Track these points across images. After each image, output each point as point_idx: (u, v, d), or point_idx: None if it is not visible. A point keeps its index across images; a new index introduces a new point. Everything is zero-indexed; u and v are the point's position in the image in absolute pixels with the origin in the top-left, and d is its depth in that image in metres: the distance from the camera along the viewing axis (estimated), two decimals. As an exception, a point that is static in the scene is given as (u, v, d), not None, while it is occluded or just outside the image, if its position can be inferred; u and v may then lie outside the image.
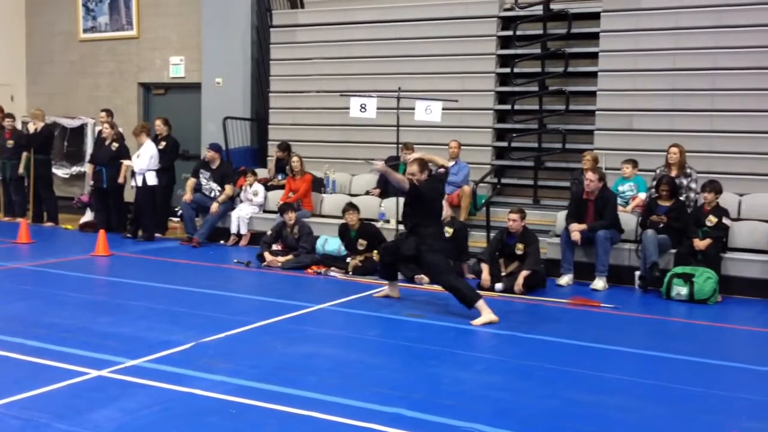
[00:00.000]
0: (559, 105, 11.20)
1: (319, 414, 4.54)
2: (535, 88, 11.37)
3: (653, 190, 9.48)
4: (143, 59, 15.18)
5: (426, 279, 8.73)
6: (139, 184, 11.41)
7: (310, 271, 9.52)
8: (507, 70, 11.60)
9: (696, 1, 10.49)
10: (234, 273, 9.55)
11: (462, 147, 10.94)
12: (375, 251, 9.41)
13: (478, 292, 7.48)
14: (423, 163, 7.51)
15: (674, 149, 9.49)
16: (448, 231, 9.24)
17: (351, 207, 9.60)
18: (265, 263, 9.74)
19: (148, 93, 15.49)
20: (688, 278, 8.28)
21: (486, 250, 9.05)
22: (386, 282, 8.19)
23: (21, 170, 12.99)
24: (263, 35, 13.82)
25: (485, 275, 8.60)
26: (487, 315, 7.01)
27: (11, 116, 13.48)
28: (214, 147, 11.90)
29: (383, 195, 11.23)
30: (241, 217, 11.50)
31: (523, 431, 4.39)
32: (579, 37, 11.30)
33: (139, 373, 5.23)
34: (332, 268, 9.51)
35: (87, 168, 13.46)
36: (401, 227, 8.75)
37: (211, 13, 13.81)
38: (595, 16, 11.12)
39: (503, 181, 11.80)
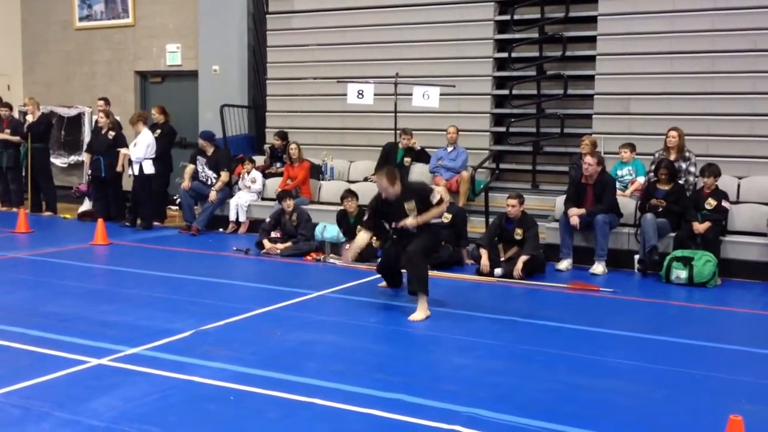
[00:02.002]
0: (557, 89, 11.15)
1: (320, 400, 4.55)
2: (533, 73, 11.33)
3: (652, 173, 9.46)
4: (139, 47, 15.09)
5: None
6: (136, 172, 11.39)
7: (309, 258, 9.51)
8: (504, 54, 11.54)
9: (693, -17, 10.46)
10: (233, 260, 9.54)
11: (460, 132, 10.91)
12: (374, 237, 9.38)
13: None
14: (391, 175, 6.90)
15: (673, 133, 9.45)
16: (447, 217, 9.23)
17: (350, 194, 9.59)
18: (264, 250, 9.73)
19: (145, 81, 15.42)
20: (687, 262, 8.27)
21: (485, 236, 9.04)
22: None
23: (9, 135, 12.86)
24: (259, 22, 13.75)
25: (484, 260, 8.60)
26: (424, 311, 6.72)
27: (8, 106, 13.43)
28: (204, 135, 11.84)
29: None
30: (239, 205, 11.48)
31: (524, 416, 4.39)
32: (577, 21, 11.26)
33: (138, 361, 5.23)
34: (331, 255, 9.50)
35: (84, 157, 13.42)
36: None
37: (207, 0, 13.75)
38: (592, 0, 11.07)
39: (502, 166, 11.79)
